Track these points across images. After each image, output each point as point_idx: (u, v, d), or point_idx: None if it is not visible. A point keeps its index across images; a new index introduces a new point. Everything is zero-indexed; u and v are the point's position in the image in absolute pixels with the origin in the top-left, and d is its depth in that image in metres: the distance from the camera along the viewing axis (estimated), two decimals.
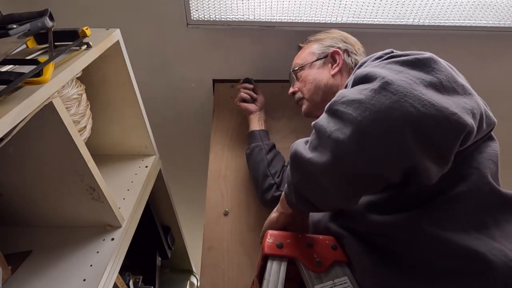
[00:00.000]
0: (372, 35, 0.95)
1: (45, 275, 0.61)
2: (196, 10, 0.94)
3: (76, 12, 0.97)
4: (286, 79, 1.14)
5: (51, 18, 0.53)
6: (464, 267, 0.44)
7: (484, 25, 0.99)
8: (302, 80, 0.87)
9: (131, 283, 0.96)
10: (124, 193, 0.80)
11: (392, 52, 0.55)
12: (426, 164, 0.42)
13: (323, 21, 0.96)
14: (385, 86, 0.42)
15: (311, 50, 0.87)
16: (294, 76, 0.91)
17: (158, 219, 1.09)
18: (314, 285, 0.52)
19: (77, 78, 0.68)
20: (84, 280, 0.60)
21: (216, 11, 0.94)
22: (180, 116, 1.28)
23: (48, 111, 0.48)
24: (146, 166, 0.90)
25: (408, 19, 0.97)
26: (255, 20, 0.96)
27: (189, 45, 1.06)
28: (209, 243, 0.87)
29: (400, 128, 0.40)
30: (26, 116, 0.42)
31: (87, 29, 0.59)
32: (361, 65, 0.60)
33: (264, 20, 0.96)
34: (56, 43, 0.57)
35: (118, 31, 0.68)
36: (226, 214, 0.91)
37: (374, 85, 0.44)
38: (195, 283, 1.45)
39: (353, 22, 0.96)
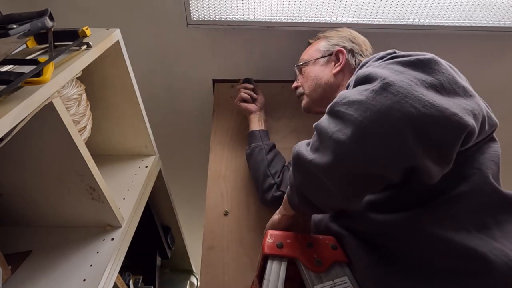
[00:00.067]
0: (372, 35, 0.95)
1: (45, 275, 0.61)
2: (196, 10, 0.94)
3: (76, 12, 0.97)
4: (286, 79, 1.14)
5: (51, 18, 0.53)
6: (464, 266, 0.44)
7: (484, 25, 0.99)
8: (304, 76, 0.88)
9: (131, 283, 0.96)
10: (124, 193, 0.80)
11: (395, 52, 0.55)
12: (427, 164, 0.43)
13: (323, 21, 0.96)
14: (386, 87, 0.42)
15: (318, 47, 0.88)
16: (298, 71, 0.92)
17: (158, 219, 1.09)
18: (314, 285, 0.52)
19: (77, 78, 0.68)
20: (84, 280, 0.60)
21: (216, 11, 0.94)
22: (180, 116, 1.28)
23: (48, 111, 0.48)
24: (146, 166, 0.90)
25: (408, 19, 0.97)
26: (255, 20, 0.96)
27: (189, 45, 1.06)
28: (209, 243, 0.87)
29: (400, 128, 0.40)
30: (26, 116, 0.42)
31: (87, 29, 0.59)
32: (363, 65, 0.60)
33: (264, 20, 0.96)
34: (56, 43, 0.57)
35: (118, 31, 0.68)
36: (226, 214, 0.91)
37: (375, 85, 0.44)
38: (195, 283, 1.45)
39: (353, 22, 0.96)
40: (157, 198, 1.05)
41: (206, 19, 0.96)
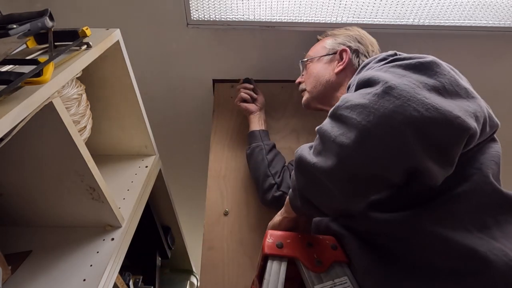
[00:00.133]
0: (373, 35, 0.95)
1: (45, 275, 0.61)
2: (196, 10, 0.94)
3: (76, 12, 0.97)
4: (286, 79, 1.14)
5: (51, 18, 0.53)
6: (464, 266, 0.44)
7: (484, 25, 0.99)
8: (308, 72, 0.89)
9: (131, 283, 0.96)
10: (124, 193, 0.80)
11: (395, 54, 0.55)
12: (429, 166, 0.43)
13: (323, 21, 0.96)
14: (388, 90, 0.42)
15: (324, 44, 0.88)
16: (302, 66, 0.92)
17: (158, 219, 1.09)
18: (314, 285, 0.52)
19: (77, 78, 0.68)
20: (84, 280, 0.60)
21: (216, 11, 0.94)
22: (180, 116, 1.28)
23: (48, 111, 0.48)
24: (146, 166, 0.90)
25: (408, 19, 0.97)
26: (255, 20, 0.96)
27: (189, 45, 1.06)
28: (209, 243, 0.87)
29: (403, 131, 0.41)
30: (26, 116, 0.42)
31: (87, 29, 0.59)
32: (364, 66, 0.60)
33: (264, 20, 0.96)
34: (56, 43, 0.57)
35: (118, 31, 0.68)
36: (226, 214, 0.91)
37: (377, 89, 0.44)
38: (195, 283, 1.45)
39: (353, 22, 0.96)
40: (157, 198, 1.05)
41: (206, 19, 0.96)
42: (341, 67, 0.82)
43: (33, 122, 0.46)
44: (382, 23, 0.97)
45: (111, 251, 0.65)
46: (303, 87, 0.90)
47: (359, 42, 0.84)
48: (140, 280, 1.07)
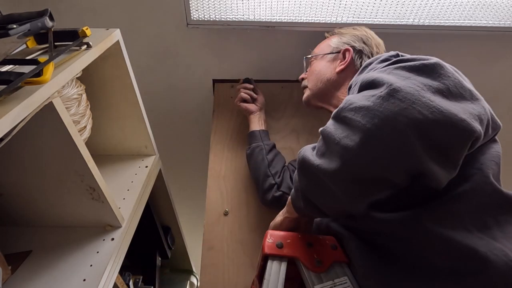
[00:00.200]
0: None
1: (45, 275, 0.61)
2: (196, 10, 0.94)
3: (76, 12, 0.97)
4: (286, 79, 1.14)
5: (51, 18, 0.53)
6: (464, 266, 0.44)
7: (484, 25, 0.99)
8: (310, 69, 0.90)
9: (131, 283, 0.96)
10: (124, 193, 0.80)
11: (398, 55, 0.55)
12: (434, 169, 0.43)
13: (323, 21, 0.96)
14: (393, 93, 0.42)
15: (329, 42, 0.88)
16: (306, 63, 0.93)
17: (158, 219, 1.09)
18: (314, 285, 0.52)
19: (77, 78, 0.68)
20: (84, 280, 0.60)
21: (216, 11, 0.94)
22: (180, 116, 1.28)
23: (48, 111, 0.48)
24: (146, 166, 0.90)
25: (408, 19, 0.97)
26: (255, 20, 0.96)
27: (189, 45, 1.06)
28: (209, 243, 0.87)
29: (408, 134, 0.41)
30: (26, 116, 0.42)
31: (87, 29, 0.59)
32: (366, 66, 0.60)
33: (264, 20, 0.96)
34: (56, 43, 0.57)
35: (118, 31, 0.68)
36: (226, 214, 0.91)
37: (382, 91, 0.44)
38: (195, 283, 1.45)
39: (353, 22, 0.96)
40: (157, 198, 1.05)
41: (206, 19, 0.96)
42: (342, 66, 0.82)
43: (33, 122, 0.46)
44: (382, 23, 0.97)
45: (111, 251, 0.65)
46: (305, 83, 0.90)
47: (364, 42, 0.83)
48: (140, 280, 1.07)
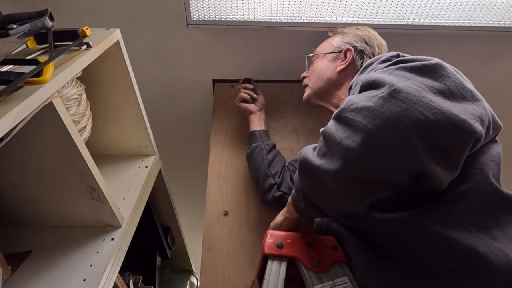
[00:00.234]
0: None
1: (45, 275, 0.61)
2: (196, 10, 0.94)
3: (76, 12, 0.97)
4: (286, 79, 1.14)
5: (51, 18, 0.53)
6: (464, 266, 0.44)
7: (484, 25, 0.99)
8: (312, 68, 0.90)
9: (131, 283, 0.96)
10: (124, 193, 0.80)
11: (399, 55, 0.55)
12: (436, 170, 0.43)
13: (323, 21, 0.96)
14: (394, 94, 0.42)
15: (332, 41, 0.88)
16: (308, 61, 0.93)
17: (158, 219, 1.09)
18: (314, 285, 0.52)
19: (77, 78, 0.68)
20: (84, 280, 0.60)
21: (216, 11, 0.94)
22: (180, 116, 1.28)
23: (48, 111, 0.48)
24: (146, 166, 0.90)
25: (408, 19, 0.97)
26: (255, 20, 0.96)
27: (189, 45, 1.06)
28: (209, 243, 0.87)
29: (410, 135, 0.41)
30: (26, 116, 0.42)
31: (87, 29, 0.59)
32: (367, 66, 0.60)
33: (264, 20, 0.96)
34: (56, 43, 0.57)
35: (118, 31, 0.68)
36: (226, 214, 0.91)
37: (383, 92, 0.44)
38: (195, 283, 1.45)
39: (353, 22, 0.96)
40: (157, 198, 1.05)
41: (206, 19, 0.96)
42: (343, 66, 0.82)
43: (33, 122, 0.46)
44: (382, 23, 0.97)
45: (111, 251, 0.65)
46: (306, 82, 0.91)
47: (366, 43, 0.83)
48: (140, 280, 1.07)
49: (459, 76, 0.47)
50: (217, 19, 0.96)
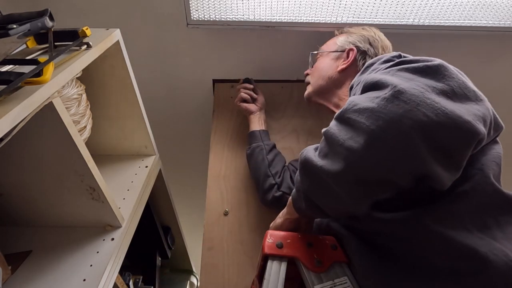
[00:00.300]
0: None
1: (45, 275, 0.61)
2: (196, 10, 0.94)
3: (76, 12, 0.97)
4: (286, 79, 1.14)
5: (51, 18, 0.53)
6: (464, 266, 0.44)
7: (484, 25, 0.99)
8: (315, 66, 0.90)
9: (131, 283, 0.96)
10: (124, 193, 0.80)
11: (401, 56, 0.55)
12: (438, 171, 0.43)
13: (323, 21, 0.96)
14: (398, 95, 0.42)
15: (336, 40, 0.88)
16: (312, 59, 0.93)
17: (158, 219, 1.09)
18: (314, 285, 0.52)
19: (77, 78, 0.68)
20: (84, 280, 0.60)
21: (216, 11, 0.94)
22: (180, 116, 1.28)
23: (48, 111, 0.48)
24: (146, 166, 0.90)
25: (408, 19, 0.97)
26: (255, 20, 0.96)
27: (189, 45, 1.06)
28: (209, 243, 0.87)
29: (413, 137, 0.41)
30: (26, 116, 0.42)
31: (87, 29, 0.59)
32: (368, 66, 0.60)
33: (264, 20, 0.96)
34: (56, 43, 0.57)
35: (118, 31, 0.68)
36: (226, 214, 0.91)
37: (386, 93, 0.43)
38: (195, 283, 1.45)
39: (353, 22, 0.96)
40: (157, 198, 1.05)
41: (206, 19, 0.96)
42: (344, 65, 0.82)
43: (33, 122, 0.46)
44: (382, 23, 0.97)
45: (111, 251, 0.65)
46: (309, 79, 0.91)
47: (370, 44, 0.83)
48: (140, 280, 1.07)
49: (462, 77, 0.47)
50: (217, 19, 0.96)
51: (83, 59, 0.55)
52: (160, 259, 1.18)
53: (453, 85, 0.44)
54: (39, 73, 0.44)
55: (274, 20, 0.96)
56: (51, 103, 0.47)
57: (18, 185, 0.62)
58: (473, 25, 0.99)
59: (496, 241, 0.45)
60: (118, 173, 0.87)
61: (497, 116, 0.50)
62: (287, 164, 0.91)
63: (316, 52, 0.92)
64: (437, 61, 0.47)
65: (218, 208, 0.92)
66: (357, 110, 0.46)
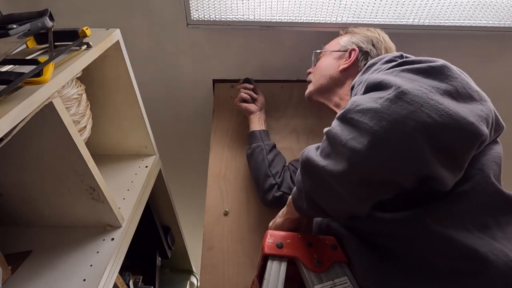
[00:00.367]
0: None
1: (45, 275, 0.61)
2: (196, 10, 0.94)
3: (76, 12, 0.97)
4: (286, 79, 1.14)
5: (51, 18, 0.53)
6: (464, 266, 0.44)
7: (484, 25, 0.99)
8: (317, 65, 0.90)
9: (131, 283, 0.96)
10: (124, 193, 0.80)
11: (403, 56, 0.55)
12: (441, 172, 0.43)
13: (323, 21, 0.96)
14: (401, 95, 0.42)
15: (340, 40, 0.88)
16: (315, 58, 0.93)
17: (158, 219, 1.09)
18: (314, 285, 0.52)
19: (77, 78, 0.68)
20: (84, 280, 0.60)
21: (216, 11, 0.94)
22: (180, 116, 1.28)
23: (48, 111, 0.48)
24: (146, 166, 0.90)
25: (408, 19, 0.97)
26: (255, 20, 0.96)
27: (189, 45, 1.06)
28: (209, 243, 0.87)
29: (416, 137, 0.41)
30: (26, 116, 0.42)
31: (87, 29, 0.59)
32: (370, 66, 0.60)
33: (264, 20, 0.96)
34: (56, 43, 0.57)
35: (118, 31, 0.68)
36: (226, 214, 0.91)
37: (390, 94, 0.43)
38: (195, 283, 1.45)
39: (353, 22, 0.96)
40: (157, 198, 1.05)
41: (206, 19, 0.96)
42: (345, 65, 0.82)
43: (33, 122, 0.46)
44: (382, 23, 0.97)
45: (111, 251, 0.65)
46: (311, 78, 0.91)
47: (373, 45, 0.83)
48: (140, 280, 1.07)
49: (465, 77, 0.47)
50: (217, 19, 0.96)
51: (83, 59, 0.55)
52: (160, 259, 1.18)
53: (457, 86, 0.44)
54: (39, 73, 0.44)
55: (274, 20, 0.96)
56: (51, 103, 0.47)
57: (18, 185, 0.62)
58: (473, 25, 0.99)
59: (496, 241, 0.45)
60: (118, 173, 0.87)
61: (499, 116, 0.50)
62: (287, 164, 0.91)
63: (319, 51, 0.92)
64: (440, 61, 0.47)
65: (218, 208, 0.92)
66: (360, 110, 0.46)
